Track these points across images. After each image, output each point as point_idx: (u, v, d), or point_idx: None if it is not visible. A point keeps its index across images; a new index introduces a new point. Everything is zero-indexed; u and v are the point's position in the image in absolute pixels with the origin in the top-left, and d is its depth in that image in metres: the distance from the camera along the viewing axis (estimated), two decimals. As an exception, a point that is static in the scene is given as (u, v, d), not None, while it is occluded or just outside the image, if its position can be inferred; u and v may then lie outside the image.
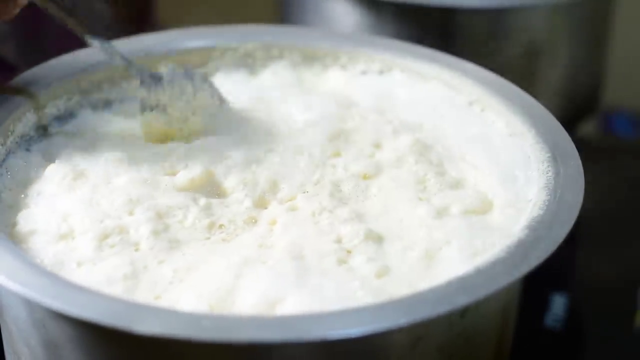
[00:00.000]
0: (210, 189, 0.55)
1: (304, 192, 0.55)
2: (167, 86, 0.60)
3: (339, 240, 0.52)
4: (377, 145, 0.59)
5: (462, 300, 0.45)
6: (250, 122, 0.60)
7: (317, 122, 0.60)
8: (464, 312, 0.48)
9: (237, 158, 0.57)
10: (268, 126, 0.60)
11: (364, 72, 0.66)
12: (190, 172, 0.55)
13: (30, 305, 0.48)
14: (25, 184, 0.55)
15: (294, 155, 0.57)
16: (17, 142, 0.58)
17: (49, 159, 0.57)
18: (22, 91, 0.57)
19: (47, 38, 0.62)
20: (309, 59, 0.66)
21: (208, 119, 0.60)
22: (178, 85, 0.61)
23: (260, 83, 0.66)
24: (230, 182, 0.55)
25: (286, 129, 0.60)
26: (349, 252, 0.51)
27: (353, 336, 0.44)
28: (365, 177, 0.57)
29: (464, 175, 0.57)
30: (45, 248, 0.51)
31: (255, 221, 0.53)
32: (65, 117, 0.61)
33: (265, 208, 0.54)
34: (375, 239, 0.52)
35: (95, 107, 0.62)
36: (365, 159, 0.58)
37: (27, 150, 0.58)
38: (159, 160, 0.57)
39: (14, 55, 0.73)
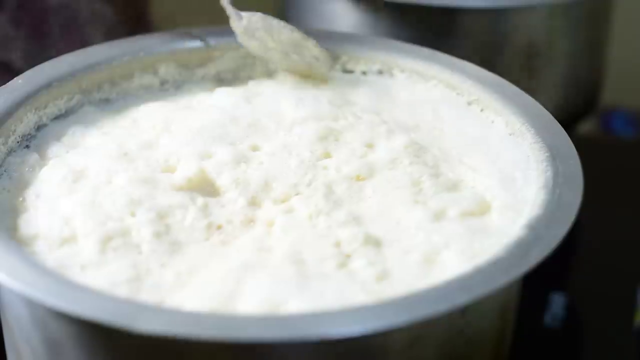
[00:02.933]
0: (205, 187, 0.55)
1: (297, 194, 0.55)
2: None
3: (337, 244, 0.52)
4: (370, 146, 0.59)
5: (461, 299, 0.45)
6: (236, 116, 0.60)
7: (306, 120, 0.60)
8: (463, 311, 0.48)
9: (223, 155, 0.57)
10: (253, 122, 0.60)
11: (363, 73, 0.66)
12: (186, 170, 0.56)
13: (32, 304, 0.48)
14: (23, 185, 0.55)
15: (283, 155, 0.57)
16: (18, 142, 0.58)
17: (47, 158, 0.58)
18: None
19: (52, 43, 0.63)
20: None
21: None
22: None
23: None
24: (223, 181, 0.55)
25: (273, 127, 0.60)
26: (348, 256, 0.51)
27: (353, 335, 0.44)
28: (359, 178, 0.56)
29: (461, 177, 0.57)
30: (47, 252, 0.51)
31: (252, 222, 0.53)
32: (65, 116, 0.61)
33: (260, 208, 0.54)
34: (374, 243, 0.52)
35: (95, 106, 0.62)
36: (357, 159, 0.57)
37: (27, 147, 0.58)
38: (152, 157, 0.57)
39: (19, 61, 0.73)
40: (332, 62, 0.65)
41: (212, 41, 0.66)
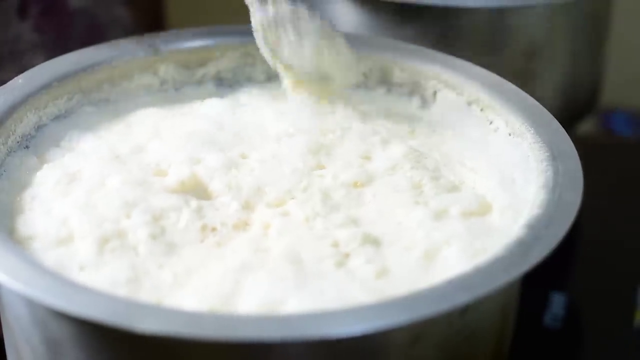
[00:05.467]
0: (198, 190, 0.55)
1: (292, 199, 0.54)
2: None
3: (335, 244, 0.51)
4: (367, 157, 0.58)
5: (462, 298, 0.45)
6: (222, 125, 0.60)
7: (292, 135, 0.59)
8: (463, 311, 0.48)
9: (212, 161, 0.57)
10: (238, 132, 0.60)
11: (364, 74, 0.66)
12: (179, 174, 0.55)
13: (32, 304, 0.48)
14: (20, 186, 0.55)
15: (274, 163, 0.57)
16: (17, 142, 0.58)
17: (44, 161, 0.58)
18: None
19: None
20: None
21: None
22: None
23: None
24: (215, 185, 0.55)
25: (258, 139, 0.59)
26: (346, 255, 0.51)
27: (354, 335, 0.44)
28: (357, 185, 0.56)
29: (461, 178, 0.57)
30: (45, 253, 0.50)
31: (247, 225, 0.53)
32: (65, 116, 0.61)
33: (254, 212, 0.54)
34: (373, 242, 0.52)
35: (95, 106, 0.62)
36: (355, 168, 0.57)
37: (27, 147, 0.58)
38: (144, 161, 0.57)
39: None
40: (355, 65, 0.63)
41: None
